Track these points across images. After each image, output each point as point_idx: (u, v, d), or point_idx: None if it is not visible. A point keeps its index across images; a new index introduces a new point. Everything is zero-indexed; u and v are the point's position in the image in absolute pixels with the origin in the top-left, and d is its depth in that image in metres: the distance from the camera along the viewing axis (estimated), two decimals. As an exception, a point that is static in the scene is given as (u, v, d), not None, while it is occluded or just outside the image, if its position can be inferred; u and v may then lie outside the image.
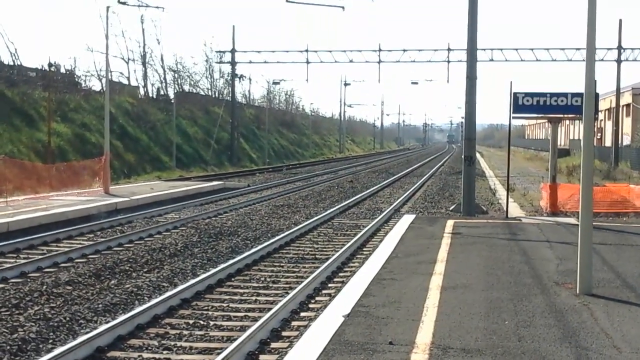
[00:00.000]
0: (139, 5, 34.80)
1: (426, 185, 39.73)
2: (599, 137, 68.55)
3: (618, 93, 52.00)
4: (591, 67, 9.89)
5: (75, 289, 12.17)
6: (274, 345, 9.21)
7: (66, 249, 16.07)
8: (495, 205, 27.23)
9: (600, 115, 69.74)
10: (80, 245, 16.68)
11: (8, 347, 8.81)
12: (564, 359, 7.11)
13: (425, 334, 7.90)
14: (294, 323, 10.32)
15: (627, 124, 62.28)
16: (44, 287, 12.15)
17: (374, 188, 35.54)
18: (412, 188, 35.86)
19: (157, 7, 33.24)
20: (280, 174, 50.30)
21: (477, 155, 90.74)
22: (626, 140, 59.73)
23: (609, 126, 64.82)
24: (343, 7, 36.48)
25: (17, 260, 14.85)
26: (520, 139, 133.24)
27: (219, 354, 8.52)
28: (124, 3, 29.22)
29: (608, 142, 63.98)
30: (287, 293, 11.92)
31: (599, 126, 69.55)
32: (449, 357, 7.12)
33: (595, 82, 18.59)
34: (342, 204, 26.76)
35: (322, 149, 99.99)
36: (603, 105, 65.33)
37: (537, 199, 26.08)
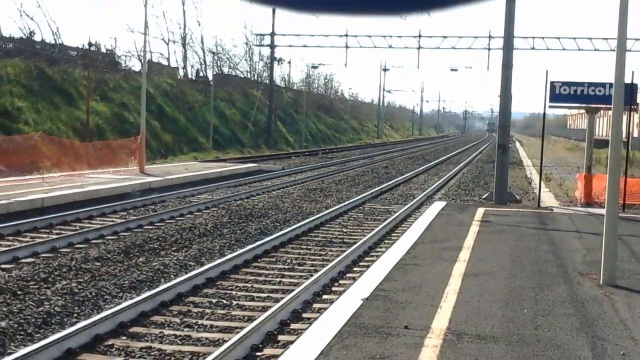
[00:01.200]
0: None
1: (462, 172, 39.55)
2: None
3: (661, 84, 51.10)
4: (622, 58, 9.78)
5: (103, 265, 12.37)
6: (293, 326, 9.29)
7: (98, 226, 16.32)
8: (530, 194, 27.02)
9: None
10: (112, 223, 16.92)
11: (33, 320, 8.99)
12: (578, 348, 7.09)
13: (441, 320, 7.91)
14: (315, 305, 10.39)
15: (670, 115, 61.19)
16: (73, 262, 12.36)
17: (409, 174, 35.47)
18: (447, 175, 35.71)
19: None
20: (316, 157, 50.37)
21: (517, 144, 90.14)
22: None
23: (651, 118, 63.83)
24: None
25: (50, 236, 15.11)
26: (561, 128, 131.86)
27: (238, 332, 8.62)
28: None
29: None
30: (312, 275, 11.99)
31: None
32: (462, 342, 7.13)
33: (632, 72, 18.36)
34: (375, 189, 26.76)
35: (359, 134, 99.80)
36: (646, 96, 64.23)
37: (573, 189, 25.83)
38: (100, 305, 10.02)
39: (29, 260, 12.70)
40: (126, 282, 11.30)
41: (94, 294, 10.45)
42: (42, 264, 12.19)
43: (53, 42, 44.36)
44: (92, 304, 10.05)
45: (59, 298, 10.08)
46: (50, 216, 16.99)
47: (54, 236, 14.95)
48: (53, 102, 36.67)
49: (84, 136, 33.76)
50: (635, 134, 60.87)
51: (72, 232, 15.33)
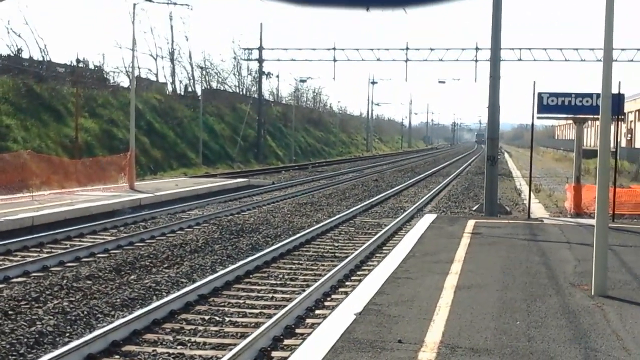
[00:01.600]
0: (167, 3, 35.06)
1: (451, 184, 39.64)
2: (628, 138, 67.88)
3: (648, 94, 51.47)
4: (608, 70, 9.85)
5: (94, 284, 12.34)
6: (286, 342, 9.29)
7: (89, 244, 16.29)
8: (520, 205, 27.11)
9: (631, 117, 69.04)
10: (102, 240, 16.89)
11: (25, 340, 8.96)
12: (571, 359, 7.11)
13: (435, 333, 7.92)
14: (308, 320, 10.39)
15: (657, 125, 61.56)
16: (65, 281, 12.32)
17: (399, 187, 35.53)
18: (437, 187, 35.80)
19: (184, 5, 33.39)
20: (306, 172, 50.40)
21: (505, 155, 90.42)
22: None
23: (639, 127, 64.19)
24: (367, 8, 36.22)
25: (40, 255, 15.07)
26: (550, 139, 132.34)
27: (231, 349, 8.60)
28: (150, 0, 29.46)
29: (638, 143, 63.35)
30: (304, 290, 11.98)
31: (628, 127, 68.87)
32: (456, 356, 7.14)
33: (619, 83, 18.50)
34: (366, 203, 26.79)
35: (349, 148, 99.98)
36: (633, 106, 64.62)
37: (563, 200, 25.93)
38: (93, 324, 9.98)
39: (19, 279, 12.68)
40: (118, 300, 11.27)
41: (86, 312, 10.42)
42: (33, 283, 12.15)
43: (41, 59, 44.38)
44: (84, 322, 10.02)
45: (51, 317, 10.05)
46: (40, 235, 16.95)
47: (45, 255, 14.90)
48: (42, 119, 36.62)
49: (73, 153, 33.72)
50: (623, 144, 61.18)
51: (62, 251, 15.29)
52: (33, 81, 39.08)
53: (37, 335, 9.17)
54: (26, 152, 27.24)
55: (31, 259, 14.17)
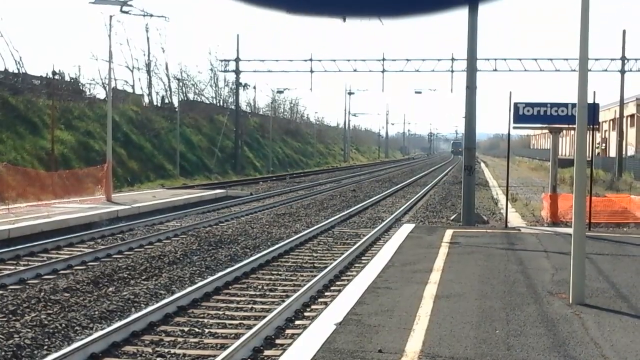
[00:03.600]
0: (143, 15, 34.97)
1: (429, 194, 39.78)
2: (603, 147, 68.51)
3: (622, 103, 52.01)
4: (584, 79, 9.96)
5: (72, 296, 12.25)
6: (267, 352, 9.27)
7: (66, 256, 16.17)
8: (497, 215, 27.26)
9: (605, 126, 69.74)
10: (80, 253, 16.78)
11: (2, 353, 8.88)
12: (551, 367, 7.16)
13: (415, 343, 7.95)
14: (289, 331, 10.37)
15: (631, 134, 62.24)
16: (42, 293, 12.22)
17: (377, 197, 35.60)
18: (415, 197, 35.91)
19: (161, 17, 33.34)
20: (284, 182, 50.39)
21: (482, 164, 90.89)
22: (630, 150, 59.70)
23: (613, 136, 64.82)
24: (344, 19, 36.32)
25: (17, 267, 14.95)
26: (525, 149, 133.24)
27: (211, 361, 8.58)
28: (126, 12, 29.36)
29: (613, 152, 63.96)
30: (284, 301, 11.97)
31: (603, 136, 69.53)
32: (437, 365, 7.17)
33: (594, 92, 18.69)
34: (344, 213, 26.83)
35: (326, 158, 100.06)
36: (607, 115, 65.31)
37: (539, 209, 26.10)
38: (71, 337, 9.91)
39: (-4, 292, 12.54)
40: (96, 312, 11.19)
41: (64, 325, 10.35)
42: (10, 296, 12.04)
43: (16, 71, 44.01)
44: (62, 335, 9.94)
45: (29, 330, 9.96)
46: (17, 247, 16.81)
47: (22, 267, 14.79)
48: (17, 131, 36.35)
49: (49, 165, 33.49)
50: (598, 153, 61.71)
51: (39, 263, 15.17)
52: (8, 93, 38.81)
53: (14, 349, 9.08)
54: (2, 164, 27.03)
55: (8, 272, 14.04)
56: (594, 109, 19.02)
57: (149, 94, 62.25)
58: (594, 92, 18.46)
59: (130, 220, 23.37)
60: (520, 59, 52.34)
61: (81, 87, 49.97)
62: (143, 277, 14.19)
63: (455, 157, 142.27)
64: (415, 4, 1.42)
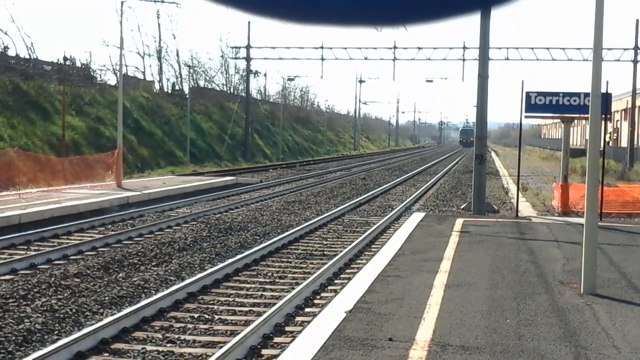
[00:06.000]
0: (154, 1, 35.03)
1: (439, 183, 39.70)
2: (615, 137, 68.18)
3: (634, 94, 51.70)
4: (598, 69, 9.89)
5: (83, 281, 12.28)
6: (276, 339, 9.27)
7: (76, 242, 16.21)
8: (507, 204, 27.17)
9: (617, 116, 69.40)
10: (90, 238, 16.82)
11: (14, 338, 8.90)
12: (562, 357, 7.12)
13: (425, 331, 7.93)
14: (298, 318, 10.37)
15: (643, 124, 61.83)
16: (53, 279, 12.26)
17: (387, 185, 35.55)
18: (425, 186, 35.83)
19: (172, 2, 33.32)
20: (294, 170, 50.38)
21: (492, 154, 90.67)
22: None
23: (625, 127, 64.49)
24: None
25: (28, 252, 14.99)
26: (536, 138, 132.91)
27: (221, 347, 8.58)
28: (138, -2, 29.34)
29: (624, 142, 63.64)
30: (293, 288, 11.97)
31: (615, 127, 69.21)
32: (447, 354, 7.15)
33: (607, 82, 18.57)
34: (354, 201, 26.80)
35: (336, 146, 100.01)
36: (619, 105, 64.98)
37: (550, 199, 26.01)
38: (81, 322, 9.93)
39: (7, 277, 12.59)
40: (107, 298, 11.22)
41: (74, 310, 10.37)
42: (20, 281, 12.08)
43: (27, 56, 44.15)
44: (72, 320, 9.96)
45: (39, 315, 9.99)
46: (27, 232, 16.86)
47: (32, 253, 14.82)
48: (28, 117, 36.43)
49: (60, 151, 33.56)
50: (610, 143, 61.39)
51: (50, 249, 15.21)
52: (20, 79, 38.87)
53: (25, 333, 9.11)
54: (13, 150, 27.09)
55: (18, 257, 14.08)
56: (606, 98, 18.92)
57: (160, 81, 62.39)
58: (607, 82, 18.37)
59: (141, 206, 23.39)
60: (532, 48, 52.10)
61: (92, 73, 50.05)
62: (153, 263, 14.20)
63: (465, 147, 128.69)
64: (429, 12, 1.42)
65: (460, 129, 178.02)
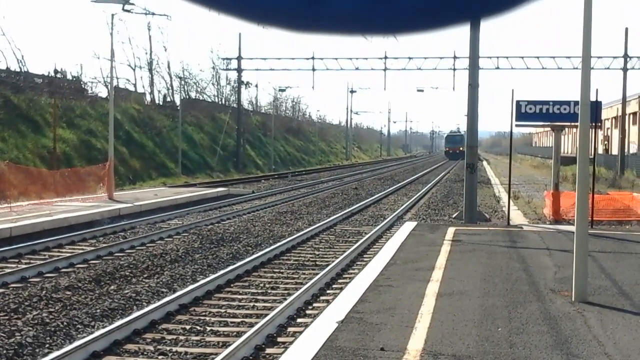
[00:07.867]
0: (145, 13, 35.03)
1: (431, 192, 39.74)
2: (605, 145, 68.41)
3: (624, 101, 51.93)
4: (587, 78, 9.93)
5: (74, 294, 12.24)
6: (268, 350, 9.26)
7: (67, 255, 16.16)
8: (499, 212, 27.21)
9: (607, 124, 69.64)
10: (81, 251, 16.78)
11: (4, 352, 8.87)
12: (553, 365, 7.14)
13: (417, 340, 7.93)
14: (290, 329, 10.36)
15: (633, 132, 62.19)
16: (44, 292, 12.21)
17: (378, 195, 35.57)
18: (417, 195, 35.87)
19: (163, 15, 33.36)
20: (286, 180, 50.39)
21: (484, 162, 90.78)
22: (633, 148, 59.64)
23: (615, 134, 64.73)
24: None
25: (19, 266, 14.94)
26: (527, 146, 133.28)
27: (213, 359, 8.56)
28: (128, 11, 29.38)
29: (615, 150, 63.88)
30: (285, 299, 11.96)
31: (605, 134, 69.45)
32: (439, 363, 7.15)
33: (597, 90, 18.65)
34: (346, 211, 26.81)
35: (328, 156, 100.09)
36: (610, 113, 65.24)
37: (541, 207, 26.07)
38: (73, 335, 9.90)
39: (-2, 290, 12.54)
40: (98, 310, 11.19)
41: (65, 323, 10.34)
42: (11, 295, 12.03)
43: (18, 69, 44.04)
44: (64, 333, 9.93)
45: (30, 328, 9.95)
46: (18, 246, 16.81)
47: (23, 266, 14.78)
48: (19, 130, 36.35)
49: (51, 164, 33.47)
50: (600, 151, 61.66)
51: (41, 262, 15.16)
52: (10, 92, 38.79)
53: (16, 347, 9.07)
54: (4, 163, 27.01)
55: (9, 270, 14.03)
56: (596, 106, 19.01)
57: (151, 93, 62.32)
58: (597, 90, 18.45)
59: (132, 218, 23.36)
60: (522, 57, 52.32)
61: (83, 86, 49.95)
62: (145, 275, 14.18)
63: (453, 158, 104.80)
64: (419, 22, 1.43)
65: (445, 135, 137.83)
